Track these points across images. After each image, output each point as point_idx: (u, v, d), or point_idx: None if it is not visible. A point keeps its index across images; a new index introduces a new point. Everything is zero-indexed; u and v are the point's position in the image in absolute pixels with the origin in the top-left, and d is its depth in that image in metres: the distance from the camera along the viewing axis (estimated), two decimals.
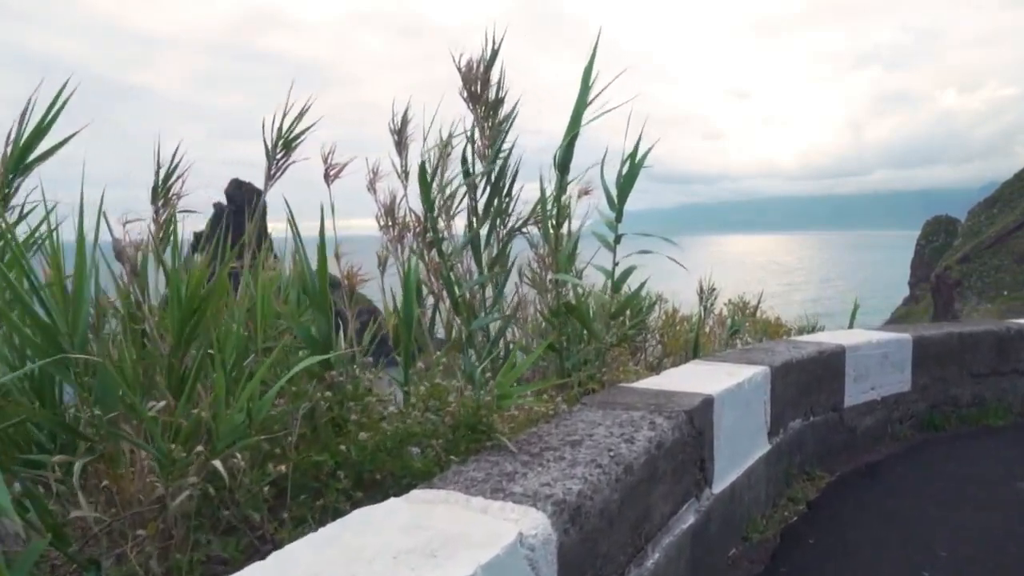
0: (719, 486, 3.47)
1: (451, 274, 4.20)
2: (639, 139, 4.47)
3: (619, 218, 4.52)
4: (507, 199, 4.29)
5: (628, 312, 5.39)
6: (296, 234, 3.24)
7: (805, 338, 5.41)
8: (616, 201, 4.53)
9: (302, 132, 3.68)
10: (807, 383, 4.77)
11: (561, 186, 3.94)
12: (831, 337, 5.39)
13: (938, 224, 71.62)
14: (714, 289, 6.73)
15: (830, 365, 5.01)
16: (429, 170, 4.27)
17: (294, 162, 3.73)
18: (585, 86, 3.94)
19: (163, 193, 3.28)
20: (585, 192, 5.46)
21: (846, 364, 5.16)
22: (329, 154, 4.43)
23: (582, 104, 3.87)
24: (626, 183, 4.51)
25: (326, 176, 4.46)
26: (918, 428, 5.82)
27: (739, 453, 3.75)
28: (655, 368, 5.33)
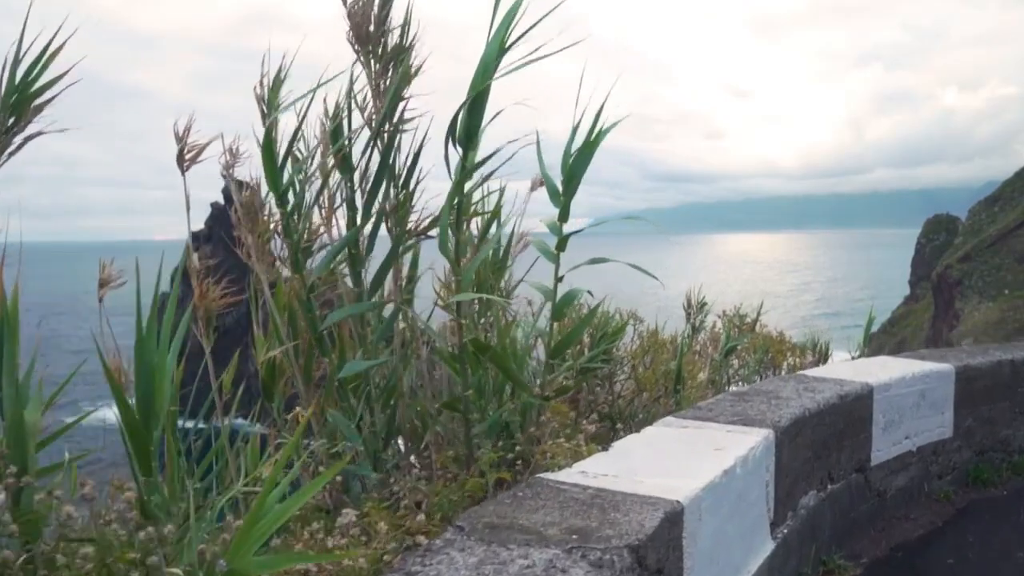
0: None
1: (312, 296, 2.86)
2: (601, 107, 3.13)
3: (564, 216, 3.17)
4: (403, 190, 2.93)
5: (587, 341, 4.04)
6: None
7: (820, 372, 4.03)
8: (561, 193, 3.19)
9: (49, 84, 2.32)
10: (824, 441, 3.41)
11: (464, 168, 2.58)
12: (853, 371, 4.02)
13: (939, 223, 69.54)
14: (704, 304, 5.36)
15: (854, 413, 3.65)
16: (292, 140, 2.92)
17: (39, 134, 2.36)
18: (503, 20, 2.58)
19: None
20: (541, 184, 4.19)
21: (874, 409, 3.80)
22: (185, 132, 3.12)
23: (496, 44, 2.51)
24: (576, 167, 3.16)
25: (179, 160, 3.15)
26: (962, 483, 4.46)
27: (726, 574, 2.39)
28: (612, 426, 3.98)
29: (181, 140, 3.09)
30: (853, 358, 9.76)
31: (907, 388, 4.01)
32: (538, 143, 3.18)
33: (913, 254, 72.05)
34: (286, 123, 3.06)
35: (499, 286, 3.32)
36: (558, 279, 3.16)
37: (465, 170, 2.55)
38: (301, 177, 2.80)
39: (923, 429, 4.18)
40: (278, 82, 3.17)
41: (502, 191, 3.44)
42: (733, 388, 4.75)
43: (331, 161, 2.83)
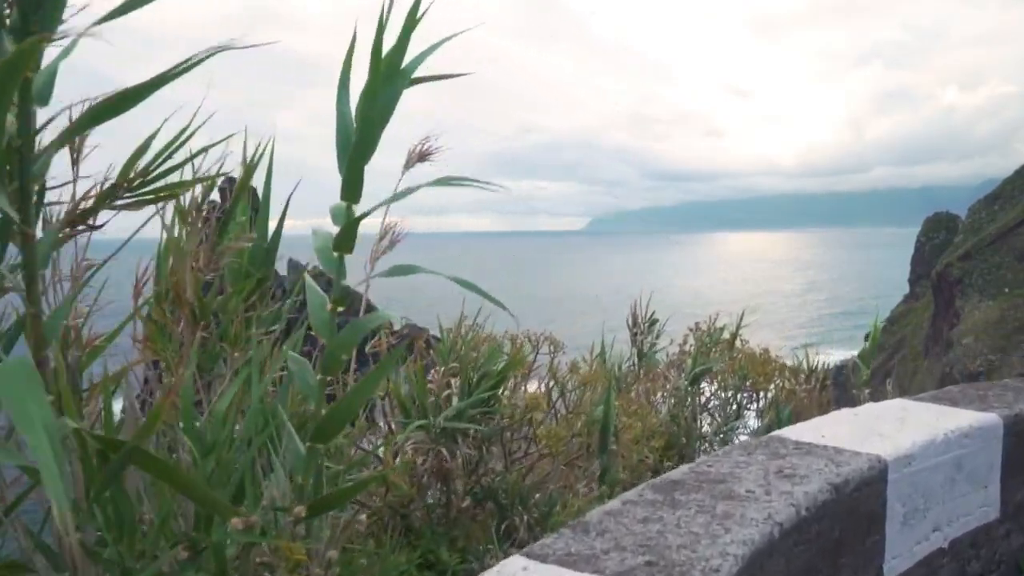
0: None
1: None
2: (412, 15, 1.77)
3: (352, 193, 1.79)
4: (23, 132, 1.51)
5: (455, 385, 2.65)
6: None
7: (807, 433, 2.59)
8: (353, 153, 1.81)
9: None
10: (808, 567, 2.00)
11: (27, 41, 1.16)
12: (856, 431, 2.59)
13: (938, 221, 67.43)
14: (655, 321, 3.95)
15: (858, 509, 2.23)
16: None
17: None
18: None
19: None
20: (424, 155, 2.98)
21: (889, 497, 2.38)
22: None
23: None
24: (370, 110, 1.80)
25: None
26: None
27: None
28: (499, 511, 2.61)
29: None
30: (854, 364, 8.27)
31: (937, 458, 2.59)
32: (348, 57, 1.84)
33: (913, 252, 69.86)
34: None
35: (260, 313, 1.91)
36: (338, 298, 1.77)
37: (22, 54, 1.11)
38: None
39: (959, 514, 2.75)
40: None
41: (272, 142, 2.05)
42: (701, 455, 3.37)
43: None
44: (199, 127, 1.80)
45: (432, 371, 2.69)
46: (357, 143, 1.77)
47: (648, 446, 3.41)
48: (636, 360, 3.95)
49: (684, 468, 2.21)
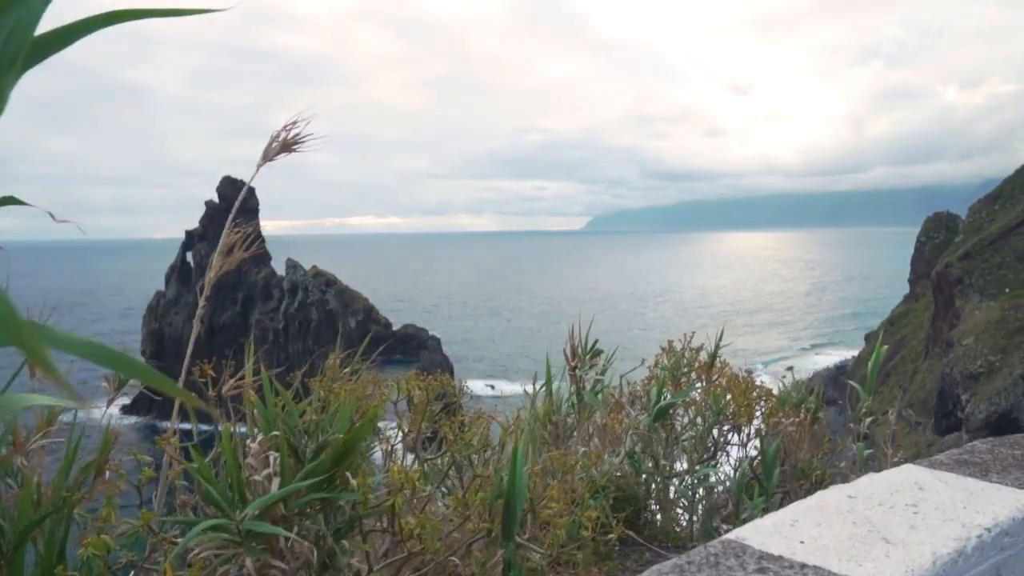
0: None
1: None
2: None
3: None
4: None
5: (273, 464, 1.83)
6: None
7: (777, 537, 1.75)
8: None
9: None
10: None
11: None
12: (847, 539, 1.75)
13: (939, 221, 66.19)
14: (599, 352, 3.11)
15: None
16: None
17: None
18: None
19: None
20: (289, 144, 2.15)
21: None
22: None
23: None
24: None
25: None
26: None
27: None
28: None
29: None
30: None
31: (968, 572, 1.75)
32: None
33: (913, 252, 68.38)
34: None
35: None
36: None
37: None
38: None
39: None
40: None
41: None
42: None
43: None
44: None
45: (248, 442, 1.87)
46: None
47: (584, 515, 2.58)
48: (576, 401, 3.11)
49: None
